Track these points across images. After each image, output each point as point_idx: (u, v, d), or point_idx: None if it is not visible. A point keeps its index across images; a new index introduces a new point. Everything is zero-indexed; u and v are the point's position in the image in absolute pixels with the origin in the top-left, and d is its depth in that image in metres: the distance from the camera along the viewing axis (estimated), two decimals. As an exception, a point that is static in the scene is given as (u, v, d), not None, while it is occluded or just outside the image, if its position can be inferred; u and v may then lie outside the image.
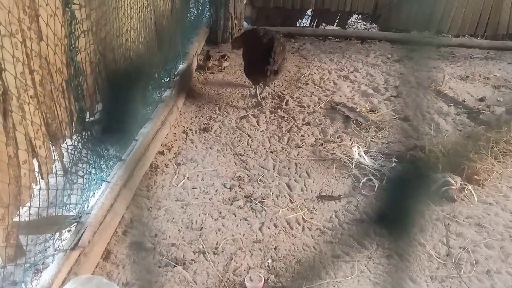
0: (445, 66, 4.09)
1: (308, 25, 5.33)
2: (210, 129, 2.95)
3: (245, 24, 4.90)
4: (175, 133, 2.89)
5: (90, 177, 2.01)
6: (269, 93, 3.49)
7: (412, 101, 3.32)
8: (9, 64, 1.35)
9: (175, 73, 3.46)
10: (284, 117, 3.13)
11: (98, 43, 2.07)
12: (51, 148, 1.68)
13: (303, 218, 2.13)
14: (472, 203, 2.23)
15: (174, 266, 1.82)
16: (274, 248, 1.94)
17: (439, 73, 3.88)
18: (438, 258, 1.89)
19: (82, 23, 1.85)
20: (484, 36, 4.84)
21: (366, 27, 5.36)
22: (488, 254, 1.91)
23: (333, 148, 2.74)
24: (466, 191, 2.29)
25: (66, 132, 1.81)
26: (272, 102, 3.36)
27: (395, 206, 0.56)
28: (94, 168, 2.05)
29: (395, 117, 3.14)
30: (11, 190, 1.38)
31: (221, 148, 2.73)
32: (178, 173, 2.47)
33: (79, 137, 1.92)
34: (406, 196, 0.55)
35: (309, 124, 3.03)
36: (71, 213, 1.83)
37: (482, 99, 3.39)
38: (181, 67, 3.60)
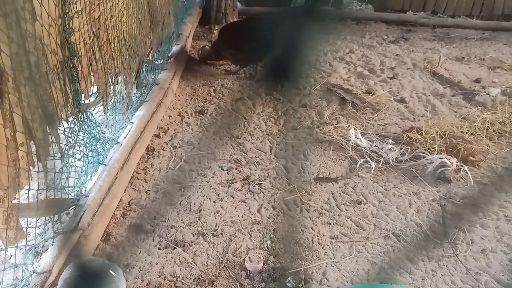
0: (440, 47, 4.08)
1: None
2: (205, 111, 2.93)
3: (238, 4, 4.83)
4: (171, 116, 2.87)
5: (87, 160, 1.99)
6: (263, 75, 3.46)
7: (408, 82, 3.32)
8: (4, 45, 1.32)
9: (169, 55, 3.42)
10: (279, 99, 3.12)
11: (92, 23, 2.02)
12: (48, 131, 1.66)
13: (300, 200, 2.14)
14: (467, 183, 2.25)
15: (174, 247, 1.82)
16: (273, 230, 1.96)
17: (434, 54, 3.88)
18: (435, 238, 1.91)
19: (76, 3, 1.80)
20: (480, 16, 4.83)
21: (361, 7, 5.31)
22: (484, 233, 1.94)
23: (330, 130, 2.74)
24: (462, 172, 2.31)
25: (61, 114, 1.78)
26: (267, 84, 3.34)
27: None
28: (91, 151, 2.03)
29: (391, 99, 3.14)
30: (9, 172, 1.36)
31: (217, 131, 2.72)
32: (174, 156, 2.46)
33: (75, 119, 1.90)
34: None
35: (305, 106, 3.02)
36: (70, 196, 1.82)
37: (477, 80, 3.40)
38: (175, 48, 3.56)
